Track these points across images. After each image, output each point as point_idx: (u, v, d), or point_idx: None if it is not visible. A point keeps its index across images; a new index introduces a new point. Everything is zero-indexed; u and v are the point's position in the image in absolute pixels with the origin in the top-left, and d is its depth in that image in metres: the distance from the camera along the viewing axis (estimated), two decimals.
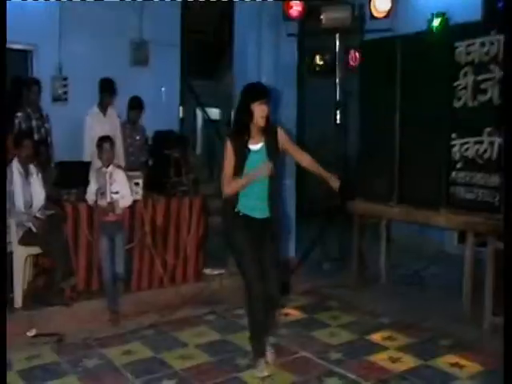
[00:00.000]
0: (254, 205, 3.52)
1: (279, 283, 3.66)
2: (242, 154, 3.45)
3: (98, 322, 4.41)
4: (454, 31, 4.80)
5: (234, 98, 6.13)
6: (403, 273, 5.76)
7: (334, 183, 3.62)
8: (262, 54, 5.93)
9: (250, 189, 3.48)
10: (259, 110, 3.41)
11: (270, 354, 3.75)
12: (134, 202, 4.79)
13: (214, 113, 10.09)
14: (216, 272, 5.44)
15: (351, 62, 6.00)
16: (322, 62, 6.18)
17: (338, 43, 5.96)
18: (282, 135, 3.58)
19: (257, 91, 3.49)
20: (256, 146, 3.49)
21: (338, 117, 6.08)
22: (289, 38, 5.94)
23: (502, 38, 4.32)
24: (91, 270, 4.78)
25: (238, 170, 3.45)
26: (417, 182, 4.98)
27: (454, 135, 4.69)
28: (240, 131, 3.49)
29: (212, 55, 9.70)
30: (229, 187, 3.49)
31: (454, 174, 4.70)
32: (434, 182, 4.85)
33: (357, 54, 5.83)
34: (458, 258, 5.12)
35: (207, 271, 5.41)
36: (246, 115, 3.44)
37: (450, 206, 4.71)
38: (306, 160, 3.71)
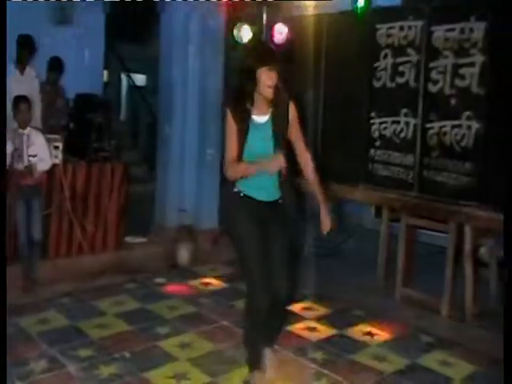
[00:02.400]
0: (260, 183, 2.88)
1: (293, 285, 3.06)
2: (244, 126, 2.84)
3: (13, 288, 4.25)
4: (377, 14, 4.93)
5: (161, 64, 6.01)
6: (324, 246, 5.95)
7: (325, 222, 2.98)
8: (189, 22, 5.82)
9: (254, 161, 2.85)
10: (266, 78, 2.78)
11: (270, 366, 3.12)
12: (53, 166, 4.63)
13: (140, 79, 9.84)
14: (137, 240, 5.39)
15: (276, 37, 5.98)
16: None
17: (265, 16, 5.95)
18: (293, 111, 2.97)
19: (265, 53, 2.89)
20: (261, 117, 2.89)
21: None
22: (217, 7, 5.86)
23: (419, 23, 4.49)
24: (6, 235, 4.59)
25: (239, 146, 2.85)
26: (338, 159, 5.13)
27: (373, 114, 4.87)
28: (241, 99, 2.87)
29: (139, 19, 9.40)
30: (232, 171, 2.86)
31: (372, 151, 4.89)
32: (354, 159, 5.03)
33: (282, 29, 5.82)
34: (374, 233, 5.37)
35: (128, 239, 5.34)
36: (248, 82, 2.81)
37: (368, 182, 4.91)
38: (305, 159, 3.06)
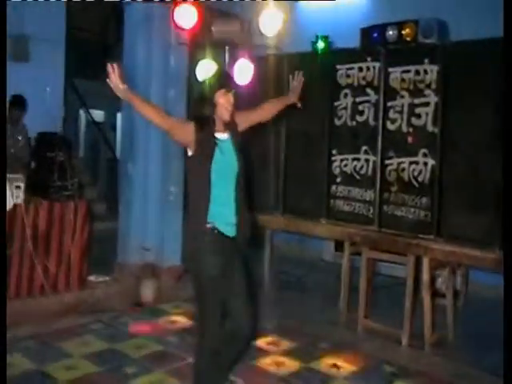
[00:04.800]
0: (226, 217, 2.95)
1: (255, 322, 3.11)
2: (210, 143, 2.93)
3: None
4: (336, 54, 5.15)
5: (120, 100, 6.03)
6: (285, 280, 6.04)
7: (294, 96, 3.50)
8: (152, 60, 5.90)
9: (215, 193, 2.91)
10: (224, 101, 2.93)
11: None
12: (15, 206, 4.57)
13: (99, 115, 9.82)
14: (101, 279, 5.32)
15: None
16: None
17: (227, 56, 6.12)
18: (239, 119, 3.13)
19: (222, 78, 3.05)
20: (223, 135, 3.02)
21: None
22: (180, 46, 5.99)
23: (377, 64, 4.74)
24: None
25: (206, 161, 2.90)
26: (301, 195, 5.28)
27: (334, 151, 5.05)
28: (202, 121, 2.97)
29: (98, 55, 9.45)
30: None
31: (334, 187, 5.05)
32: (316, 195, 5.17)
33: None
34: (335, 266, 5.50)
35: (92, 278, 5.27)
36: (207, 106, 2.95)
37: (330, 217, 5.06)
38: (265, 110, 3.35)
